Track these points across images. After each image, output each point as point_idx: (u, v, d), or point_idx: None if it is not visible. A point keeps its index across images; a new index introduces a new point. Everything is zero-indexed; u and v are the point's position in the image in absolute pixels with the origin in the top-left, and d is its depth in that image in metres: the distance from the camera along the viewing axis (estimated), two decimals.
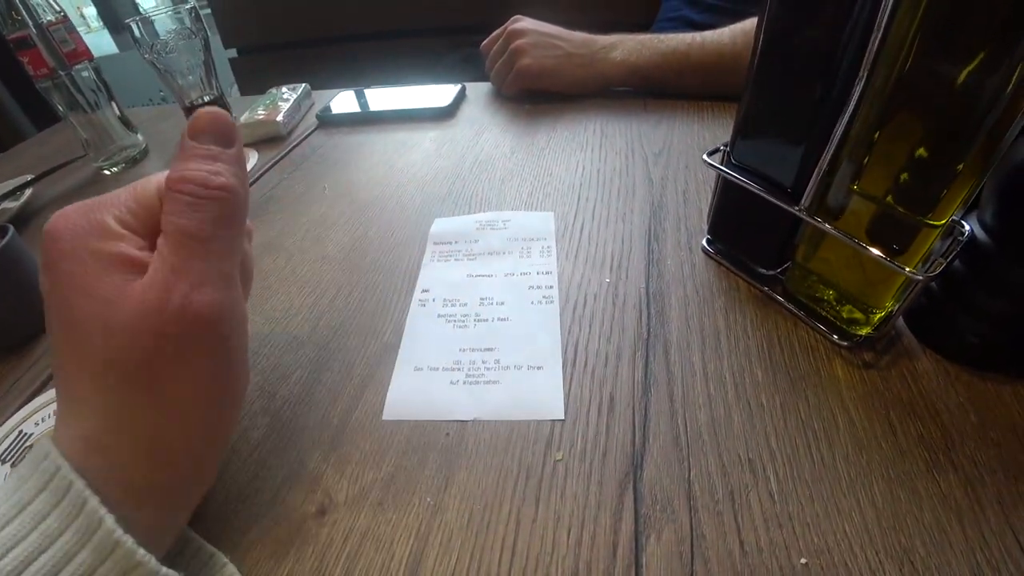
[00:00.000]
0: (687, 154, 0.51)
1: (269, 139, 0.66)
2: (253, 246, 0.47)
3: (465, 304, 0.36)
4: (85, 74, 0.62)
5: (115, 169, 0.66)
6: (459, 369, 0.31)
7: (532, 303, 0.35)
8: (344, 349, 0.35)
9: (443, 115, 0.65)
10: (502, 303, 0.35)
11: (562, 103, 0.64)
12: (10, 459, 0.30)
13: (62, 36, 0.59)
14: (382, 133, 0.63)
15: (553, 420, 0.29)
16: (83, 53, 0.62)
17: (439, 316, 0.35)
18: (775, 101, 0.31)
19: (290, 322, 0.38)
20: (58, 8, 0.59)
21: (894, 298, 0.30)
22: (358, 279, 0.40)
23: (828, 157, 0.28)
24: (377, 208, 0.49)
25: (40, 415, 0.33)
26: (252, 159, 0.62)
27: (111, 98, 0.66)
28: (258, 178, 0.58)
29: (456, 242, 0.41)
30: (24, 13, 0.56)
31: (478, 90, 0.71)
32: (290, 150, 0.63)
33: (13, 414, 0.33)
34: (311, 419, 0.31)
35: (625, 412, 0.29)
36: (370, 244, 0.44)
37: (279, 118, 0.66)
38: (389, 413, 0.30)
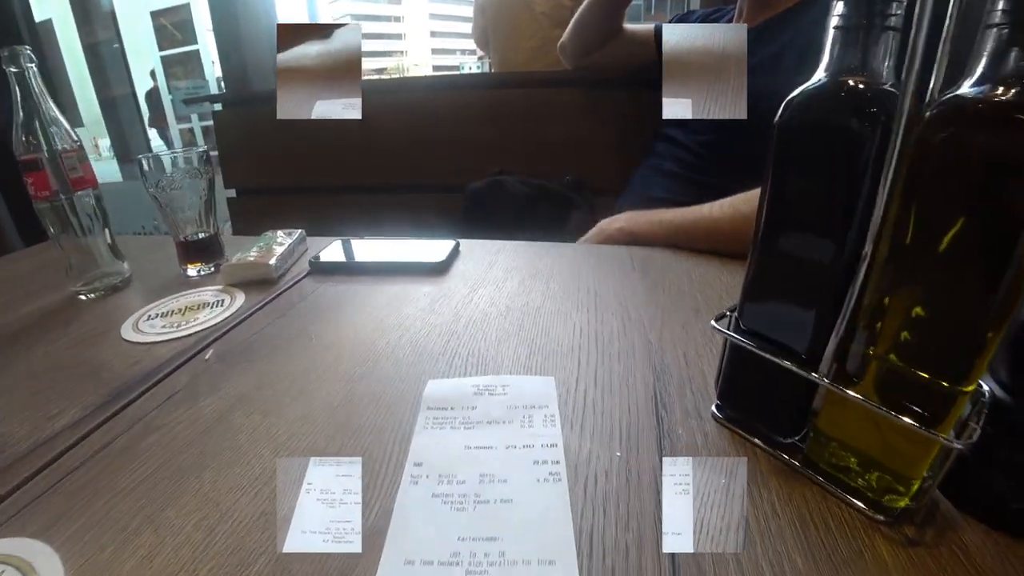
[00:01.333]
0: (680, 314, 0.51)
1: (259, 281, 0.65)
2: (225, 397, 0.44)
3: (464, 482, 0.32)
4: (87, 200, 0.62)
5: (93, 296, 0.64)
6: (458, 564, 0.27)
7: (538, 481, 0.32)
8: None
9: (437, 271, 0.66)
10: (504, 481, 0.32)
11: (553, 261, 0.66)
12: None
13: (72, 164, 0.61)
14: (374, 285, 0.63)
15: None
16: (89, 181, 0.63)
17: (434, 496, 0.31)
18: (784, 267, 0.31)
19: (259, 492, 0.33)
20: (75, 138, 0.62)
21: (930, 467, 0.28)
22: (342, 444, 0.37)
23: (843, 322, 0.28)
24: (368, 364, 0.46)
25: None
26: (238, 302, 0.61)
27: (105, 225, 0.65)
28: (242, 322, 0.56)
29: (452, 408, 0.39)
30: (41, 139, 0.59)
31: (471, 247, 0.73)
32: (278, 295, 0.62)
33: None
34: None
35: None
36: (357, 404, 0.41)
37: (271, 261, 0.66)
38: None
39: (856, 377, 0.29)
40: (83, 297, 0.64)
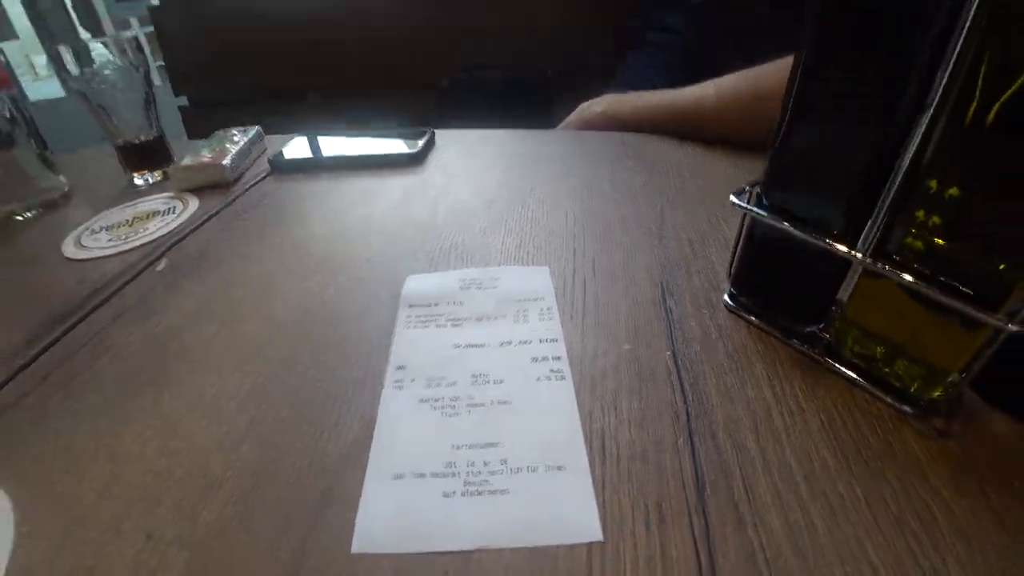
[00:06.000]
0: (683, 202, 0.46)
1: (212, 185, 0.58)
2: (181, 310, 0.39)
3: (454, 383, 0.28)
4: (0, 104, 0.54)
5: (29, 214, 0.57)
6: (455, 475, 0.24)
7: (538, 379, 0.28)
8: (294, 451, 0.26)
9: (411, 162, 0.59)
10: (500, 381, 0.28)
11: (538, 148, 0.60)
12: None
13: None
14: (342, 181, 0.57)
15: (589, 543, 0.21)
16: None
17: (422, 401, 0.27)
18: (823, 137, 0.26)
19: (221, 411, 0.29)
20: None
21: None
22: (312, 351, 0.33)
23: (889, 197, 0.23)
24: (337, 264, 0.41)
25: None
26: (191, 208, 0.54)
27: (32, 135, 0.57)
28: (198, 228, 0.50)
29: (437, 304, 0.34)
30: None
31: (449, 137, 0.66)
32: (235, 199, 0.56)
33: None
34: (250, 553, 0.22)
35: (679, 523, 0.22)
36: (327, 308, 0.36)
37: (225, 161, 0.59)
38: (361, 544, 0.22)
39: (897, 256, 0.25)
40: (19, 217, 0.57)
